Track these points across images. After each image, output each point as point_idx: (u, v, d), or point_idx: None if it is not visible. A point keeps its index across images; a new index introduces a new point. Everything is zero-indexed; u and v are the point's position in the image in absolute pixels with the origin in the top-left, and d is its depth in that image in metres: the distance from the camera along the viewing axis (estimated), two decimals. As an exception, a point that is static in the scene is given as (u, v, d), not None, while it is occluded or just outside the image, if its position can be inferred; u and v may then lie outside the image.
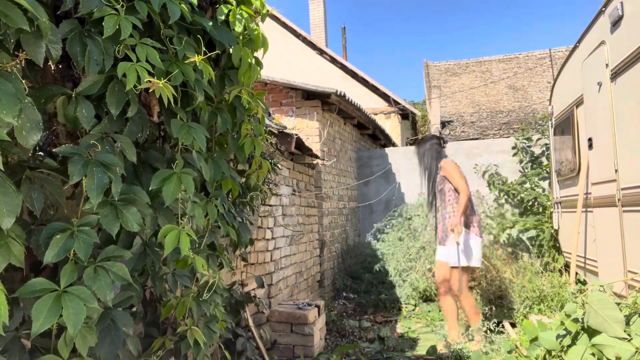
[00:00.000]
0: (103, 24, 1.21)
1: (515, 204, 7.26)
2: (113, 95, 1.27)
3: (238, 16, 1.74)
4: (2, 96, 0.91)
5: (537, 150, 7.26)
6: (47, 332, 1.08)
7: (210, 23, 1.61)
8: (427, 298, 5.53)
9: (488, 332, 3.97)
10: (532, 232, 6.78)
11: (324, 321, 4.03)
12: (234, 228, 2.00)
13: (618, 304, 2.18)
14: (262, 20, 1.98)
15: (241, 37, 1.81)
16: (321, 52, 11.83)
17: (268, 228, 4.02)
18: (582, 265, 4.71)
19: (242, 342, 2.89)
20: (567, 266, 5.48)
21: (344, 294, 6.19)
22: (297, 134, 4.29)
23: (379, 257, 6.39)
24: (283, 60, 11.53)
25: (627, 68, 3.35)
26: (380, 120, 10.98)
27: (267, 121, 3.91)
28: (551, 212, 6.20)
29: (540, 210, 6.83)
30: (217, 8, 1.73)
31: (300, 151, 4.82)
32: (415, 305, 5.49)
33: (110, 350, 1.24)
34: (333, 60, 11.76)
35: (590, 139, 4.24)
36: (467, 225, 4.01)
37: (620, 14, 3.42)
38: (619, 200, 3.55)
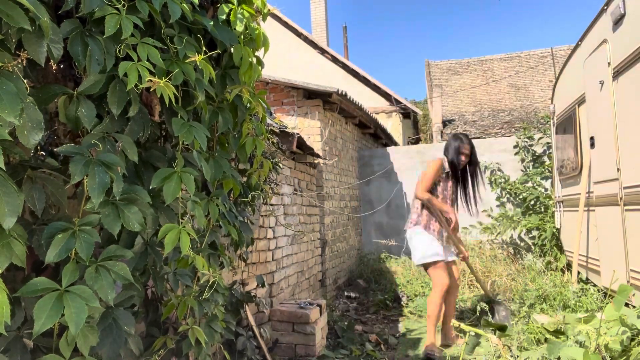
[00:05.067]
0: (104, 23, 1.22)
1: (517, 203, 7.25)
2: (114, 95, 1.27)
3: (239, 15, 1.74)
4: (4, 96, 0.91)
5: (538, 149, 7.26)
6: (49, 331, 1.08)
7: (212, 22, 1.61)
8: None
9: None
10: (534, 232, 6.78)
11: (325, 320, 4.04)
12: (235, 227, 2.00)
13: None
14: (264, 20, 1.98)
15: (242, 37, 1.81)
16: (322, 52, 11.83)
17: (269, 227, 4.02)
18: (584, 264, 4.70)
19: (242, 342, 2.89)
20: (569, 265, 5.47)
21: (346, 293, 6.20)
22: (298, 133, 4.29)
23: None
24: (284, 59, 11.53)
25: (630, 66, 3.34)
26: (382, 120, 10.98)
27: (268, 120, 3.90)
28: (553, 211, 6.19)
29: (542, 209, 6.82)
30: (218, 7, 1.73)
31: (301, 150, 4.82)
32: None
33: (112, 350, 1.24)
34: (334, 60, 11.76)
35: (592, 138, 4.23)
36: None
37: (623, 12, 3.41)
38: (621, 199, 3.55)
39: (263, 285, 3.31)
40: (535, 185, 7.04)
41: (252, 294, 3.17)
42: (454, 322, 3.16)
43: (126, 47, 1.29)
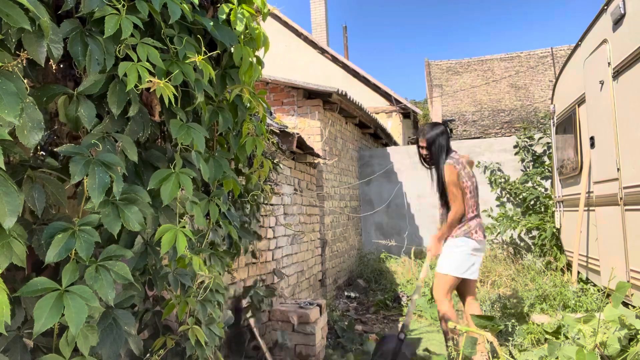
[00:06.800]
0: (104, 23, 1.22)
1: (517, 203, 7.25)
2: (114, 95, 1.27)
3: (239, 15, 1.74)
4: (4, 96, 0.91)
5: (539, 149, 7.26)
6: (49, 331, 1.08)
7: (211, 22, 1.61)
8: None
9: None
10: (534, 231, 6.78)
11: (325, 320, 4.04)
12: (237, 228, 2.00)
13: None
14: (264, 20, 1.98)
15: (242, 37, 1.81)
16: (322, 51, 11.82)
17: (269, 227, 4.02)
18: (584, 264, 4.70)
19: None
20: (569, 265, 5.47)
21: (346, 293, 6.20)
22: (298, 133, 4.29)
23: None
24: (284, 59, 11.53)
25: (630, 66, 3.34)
26: (382, 119, 10.98)
27: (268, 120, 3.91)
28: (553, 211, 6.19)
29: (542, 209, 6.83)
30: (218, 7, 1.73)
31: (301, 150, 4.82)
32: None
33: (112, 350, 1.24)
34: (334, 60, 11.75)
35: (592, 138, 4.23)
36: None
37: (623, 12, 3.41)
38: (621, 199, 3.55)
39: (281, 278, 3.33)
40: (535, 185, 7.04)
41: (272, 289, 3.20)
42: (450, 323, 3.11)
43: (126, 47, 1.29)
